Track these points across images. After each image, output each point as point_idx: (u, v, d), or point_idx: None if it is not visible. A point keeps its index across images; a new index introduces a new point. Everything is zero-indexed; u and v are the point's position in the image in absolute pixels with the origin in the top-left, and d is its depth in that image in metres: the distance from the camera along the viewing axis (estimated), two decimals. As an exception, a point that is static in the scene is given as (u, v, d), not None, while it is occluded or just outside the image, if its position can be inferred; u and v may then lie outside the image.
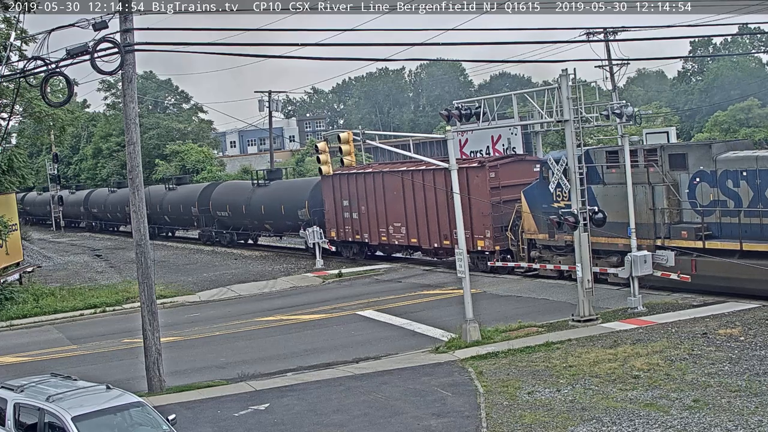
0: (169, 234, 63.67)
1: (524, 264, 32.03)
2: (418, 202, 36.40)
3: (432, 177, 34.45)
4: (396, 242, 38.35)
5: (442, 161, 26.31)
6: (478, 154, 46.61)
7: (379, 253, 41.16)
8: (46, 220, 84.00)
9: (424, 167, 35.20)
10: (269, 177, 49.92)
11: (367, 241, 40.16)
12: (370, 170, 40.19)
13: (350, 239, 41.29)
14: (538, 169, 31.56)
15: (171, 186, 59.43)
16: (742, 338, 19.97)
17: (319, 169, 25.30)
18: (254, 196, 48.97)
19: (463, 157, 44.52)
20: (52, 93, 37.41)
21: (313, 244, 40.87)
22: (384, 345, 23.32)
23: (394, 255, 40.96)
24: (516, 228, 31.97)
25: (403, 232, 37.59)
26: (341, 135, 23.87)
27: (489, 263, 33.23)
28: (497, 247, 32.70)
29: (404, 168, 37.75)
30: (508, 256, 32.77)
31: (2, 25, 33.14)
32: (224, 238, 53.09)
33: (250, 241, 53.71)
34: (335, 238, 41.78)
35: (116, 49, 18.23)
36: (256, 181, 49.96)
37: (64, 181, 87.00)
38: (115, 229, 72.54)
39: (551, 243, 30.28)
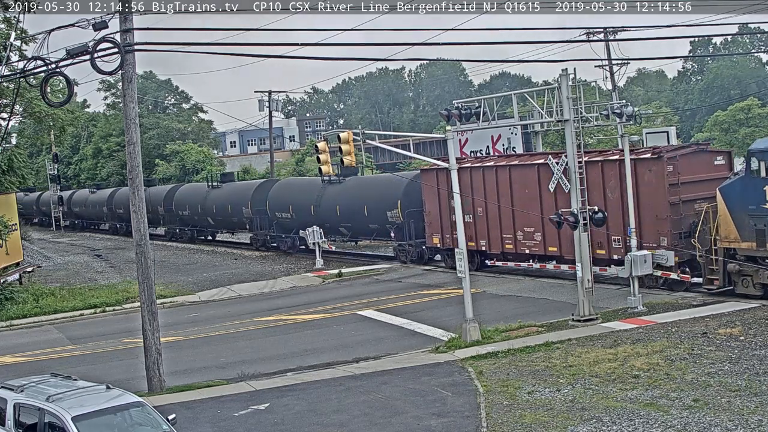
0: (208, 238, 58.46)
1: (712, 279, 25.52)
2: (560, 201, 28.98)
3: (584, 171, 24.87)
4: (527, 251, 31.74)
5: (603, 152, 23.40)
6: (478, 154, 46.64)
7: (498, 263, 33.93)
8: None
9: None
10: (344, 173, 42.86)
11: (484, 249, 33.60)
12: (491, 163, 33.62)
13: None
14: (720, 162, 27.77)
15: (215, 184, 54.84)
16: (742, 338, 19.97)
17: (319, 169, 25.30)
18: (325, 194, 43.34)
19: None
20: (52, 93, 37.39)
21: (313, 243, 40.80)
22: (384, 345, 23.32)
23: (517, 266, 33.41)
24: (703, 234, 25.73)
25: (538, 238, 31.10)
26: (341, 135, 23.87)
27: (661, 275, 26.84)
28: (676, 259, 26.50)
29: (540, 161, 30.88)
30: (687, 269, 26.85)
31: (2, 25, 33.14)
32: (284, 243, 47.12)
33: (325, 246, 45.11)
34: (439, 246, 35.87)
35: (116, 49, 18.23)
36: (327, 178, 41.95)
37: (64, 181, 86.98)
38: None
39: (760, 253, 24.08)
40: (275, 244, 47.99)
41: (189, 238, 57.87)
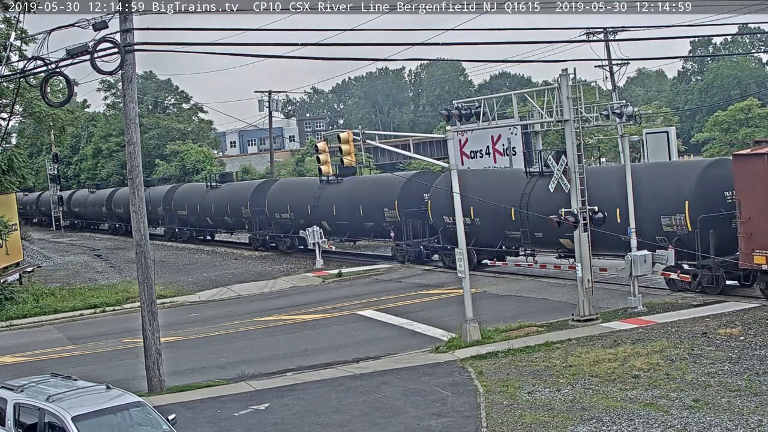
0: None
1: None
2: None
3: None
4: None
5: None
6: (478, 155, 46.63)
7: None
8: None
9: None
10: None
11: None
12: None
13: None
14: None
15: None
16: (742, 338, 19.97)
17: (319, 169, 25.31)
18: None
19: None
20: (52, 93, 37.35)
21: (313, 243, 40.78)
22: (384, 345, 23.32)
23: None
24: None
25: None
26: (341, 135, 23.87)
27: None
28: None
29: None
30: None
31: (2, 25, 33.12)
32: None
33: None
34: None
35: (116, 49, 18.23)
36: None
37: (64, 181, 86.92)
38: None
39: None
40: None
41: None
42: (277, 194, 47.17)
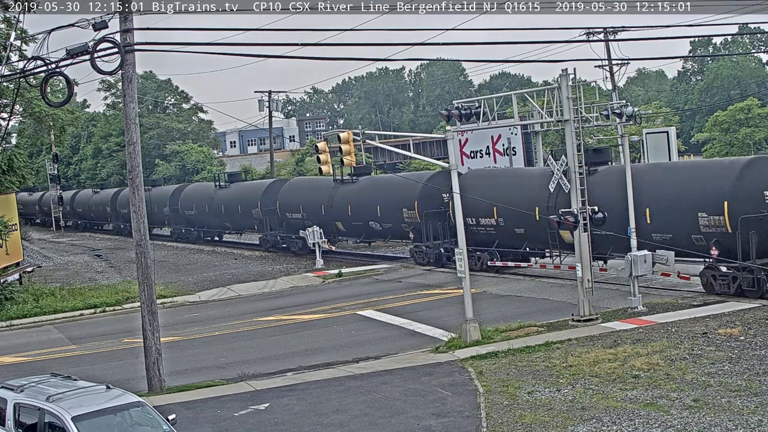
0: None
1: None
2: None
3: None
4: None
5: None
6: (478, 155, 46.64)
7: None
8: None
9: None
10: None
11: None
12: None
13: None
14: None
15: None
16: (742, 338, 19.97)
17: (319, 169, 25.31)
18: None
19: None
20: (52, 93, 37.41)
21: (313, 243, 40.76)
22: (384, 345, 23.32)
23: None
24: None
25: None
26: (341, 135, 23.88)
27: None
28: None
29: None
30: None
31: (2, 25, 33.10)
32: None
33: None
34: None
35: (116, 49, 18.23)
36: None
37: (64, 181, 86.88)
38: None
39: None
40: (285, 245, 46.85)
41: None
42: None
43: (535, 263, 32.58)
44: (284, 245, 46.90)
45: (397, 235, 39.33)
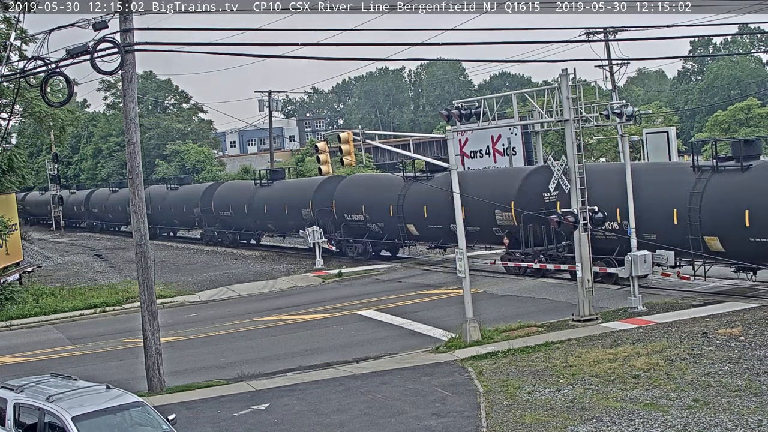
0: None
1: None
2: None
3: None
4: None
5: None
6: (478, 155, 46.67)
7: None
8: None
9: None
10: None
11: None
12: None
13: None
14: None
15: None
16: (742, 338, 19.97)
17: (319, 169, 25.30)
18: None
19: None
20: (52, 93, 37.42)
21: (313, 243, 40.72)
22: (384, 345, 23.32)
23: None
24: None
25: None
26: (341, 135, 23.88)
27: None
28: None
29: None
30: None
31: (2, 25, 33.10)
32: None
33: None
34: None
35: (116, 49, 18.23)
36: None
37: (64, 181, 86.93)
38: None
39: None
40: (339, 250, 42.15)
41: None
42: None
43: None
44: (338, 250, 42.03)
45: (486, 239, 33.97)
